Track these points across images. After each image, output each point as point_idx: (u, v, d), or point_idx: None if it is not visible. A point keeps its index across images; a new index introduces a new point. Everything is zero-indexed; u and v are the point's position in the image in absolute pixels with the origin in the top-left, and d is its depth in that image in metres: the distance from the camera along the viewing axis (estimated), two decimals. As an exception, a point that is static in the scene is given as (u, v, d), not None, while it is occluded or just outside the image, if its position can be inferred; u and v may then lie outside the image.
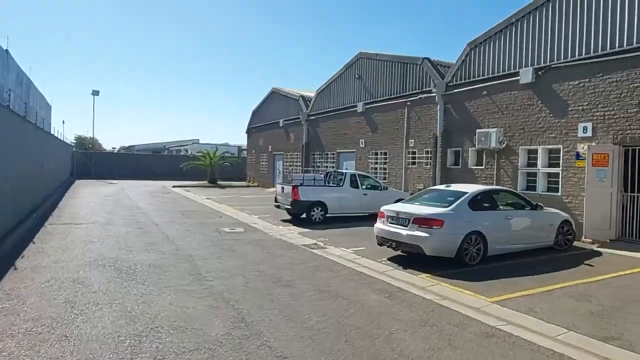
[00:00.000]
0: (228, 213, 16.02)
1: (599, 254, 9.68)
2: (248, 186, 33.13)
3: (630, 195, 10.71)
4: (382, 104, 18.85)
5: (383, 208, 9.27)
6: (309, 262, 8.59)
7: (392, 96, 18.22)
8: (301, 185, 13.93)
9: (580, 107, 11.42)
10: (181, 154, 53.35)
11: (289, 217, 14.54)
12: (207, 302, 5.94)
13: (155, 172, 40.05)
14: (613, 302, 6.23)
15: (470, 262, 8.24)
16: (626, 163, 10.74)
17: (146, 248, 9.37)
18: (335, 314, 5.64)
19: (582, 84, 11.40)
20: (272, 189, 23.44)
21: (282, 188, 14.77)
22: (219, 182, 32.79)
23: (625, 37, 10.50)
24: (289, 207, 14.01)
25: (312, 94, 25.58)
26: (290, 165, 27.13)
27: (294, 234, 11.76)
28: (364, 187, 14.71)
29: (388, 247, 8.88)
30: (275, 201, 15.22)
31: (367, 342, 4.76)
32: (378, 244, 9.25)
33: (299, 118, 26.03)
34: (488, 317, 5.60)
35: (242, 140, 41.19)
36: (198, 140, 62.47)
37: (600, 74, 10.98)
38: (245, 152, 41.18)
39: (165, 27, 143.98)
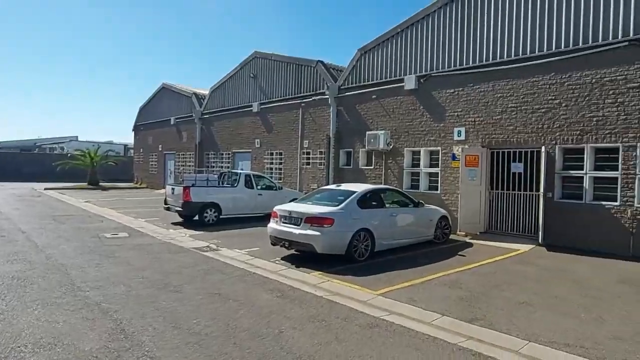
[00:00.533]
0: (111, 217, 14.78)
1: (471, 245, 10.76)
2: (135, 188, 30.94)
3: (495, 192, 12.10)
4: (277, 104, 18.92)
5: (276, 208, 9.29)
6: (199, 265, 8.26)
7: (287, 97, 18.39)
8: (193, 185, 13.38)
9: (456, 113, 12.60)
10: (56, 152, 47.97)
11: (180, 219, 13.89)
12: (81, 315, 5.39)
13: (23, 172, 35.55)
14: (479, 287, 6.96)
15: (359, 258, 8.60)
16: (492, 163, 12.11)
17: (9, 259, 8.24)
18: (224, 316, 5.49)
19: (457, 92, 12.59)
20: (162, 191, 22.18)
21: (173, 189, 14.05)
22: (101, 184, 30.14)
23: (490, 52, 11.83)
24: (180, 209, 13.38)
25: (206, 92, 24.78)
26: (183, 166, 25.95)
27: (185, 237, 11.24)
28: (259, 187, 14.62)
29: (281, 246, 8.91)
30: (165, 203, 14.43)
31: (256, 342, 4.70)
32: (272, 243, 9.23)
33: (192, 116, 25.01)
34: (373, 309, 5.89)
35: (129, 138, 38.35)
36: (77, 137, 56.62)
37: (472, 84, 12.23)
38: (132, 151, 38.38)
39: (43, 10, 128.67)
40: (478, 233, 11.90)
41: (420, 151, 13.53)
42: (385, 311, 5.80)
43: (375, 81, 14.81)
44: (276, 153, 19.12)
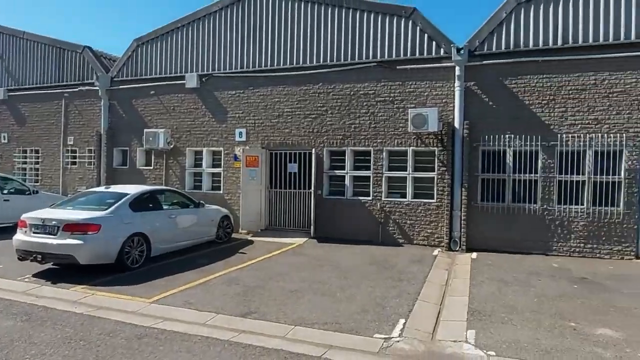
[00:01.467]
0: None
1: (252, 242, 11.12)
2: None
3: (274, 191, 12.84)
4: (32, 92, 15.88)
5: (24, 216, 7.76)
6: None
7: (46, 85, 15.65)
8: None
9: (237, 115, 12.87)
10: None
11: None
12: None
13: None
14: (256, 282, 7.23)
15: (132, 265, 7.91)
16: (271, 164, 12.81)
17: None
18: (-62, 357, 4.25)
19: (238, 94, 12.87)
20: None
21: None
22: None
23: (269, 59, 12.46)
24: None
25: None
26: None
27: None
28: (4, 191, 11.98)
29: (33, 260, 7.46)
30: None
31: (-17, 382, 3.77)
32: (19, 258, 7.67)
33: None
34: (144, 318, 5.46)
35: None
36: None
37: (252, 87, 12.68)
38: None
39: None
40: (259, 230, 12.42)
41: (202, 151, 13.34)
42: (158, 319, 5.45)
43: (154, 76, 13.91)
44: (31, 150, 16.04)
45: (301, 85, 12.11)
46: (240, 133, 12.79)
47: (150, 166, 13.93)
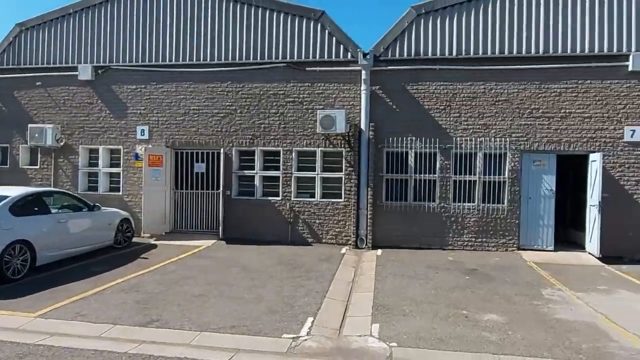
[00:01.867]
0: None
1: (155, 246, 10.49)
2: None
3: (180, 192, 12.27)
4: None
5: None
6: None
7: None
8: None
9: (138, 111, 12.07)
10: None
11: None
12: None
13: None
14: (158, 288, 6.83)
15: (14, 276, 7.05)
16: (177, 163, 12.23)
17: None
18: None
19: (139, 89, 12.08)
20: None
21: None
22: None
23: (173, 53, 11.85)
24: None
25: None
26: None
27: None
28: None
29: None
30: None
31: None
32: None
33: None
34: (28, 335, 4.88)
35: None
36: None
37: (155, 83, 11.99)
38: None
39: None
40: (164, 233, 11.78)
41: (99, 149, 12.30)
42: (44, 334, 4.91)
43: (41, 65, 12.55)
44: None
45: (209, 82, 11.73)
46: (142, 131, 12.03)
47: (36, 165, 12.54)
